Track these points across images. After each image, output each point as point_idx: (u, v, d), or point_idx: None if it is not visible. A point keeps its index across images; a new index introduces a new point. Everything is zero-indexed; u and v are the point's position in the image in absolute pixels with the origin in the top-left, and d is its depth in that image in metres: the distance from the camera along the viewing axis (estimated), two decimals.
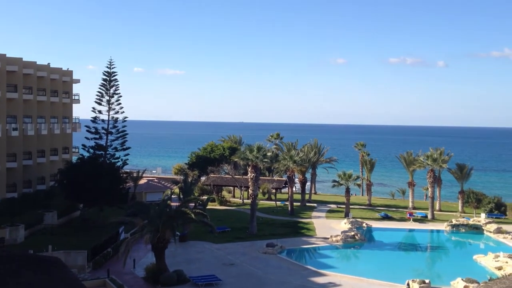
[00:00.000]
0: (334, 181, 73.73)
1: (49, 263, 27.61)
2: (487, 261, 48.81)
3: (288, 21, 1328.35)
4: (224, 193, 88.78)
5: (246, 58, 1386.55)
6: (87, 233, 52.75)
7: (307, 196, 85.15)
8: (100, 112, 63.12)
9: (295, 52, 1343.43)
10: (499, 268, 45.70)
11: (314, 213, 74.32)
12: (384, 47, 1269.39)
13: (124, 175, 66.21)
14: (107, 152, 62.86)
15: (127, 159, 64.74)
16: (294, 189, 78.32)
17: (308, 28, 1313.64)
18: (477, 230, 64.97)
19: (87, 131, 63.37)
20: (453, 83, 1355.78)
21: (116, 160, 63.55)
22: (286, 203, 77.66)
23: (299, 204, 79.57)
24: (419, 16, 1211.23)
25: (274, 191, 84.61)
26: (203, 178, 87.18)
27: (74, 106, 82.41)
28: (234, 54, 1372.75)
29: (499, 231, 62.35)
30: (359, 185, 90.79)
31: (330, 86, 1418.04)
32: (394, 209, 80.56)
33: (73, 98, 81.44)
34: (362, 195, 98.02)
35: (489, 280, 32.69)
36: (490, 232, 62.89)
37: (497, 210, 75.46)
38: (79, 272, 40.26)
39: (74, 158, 75.87)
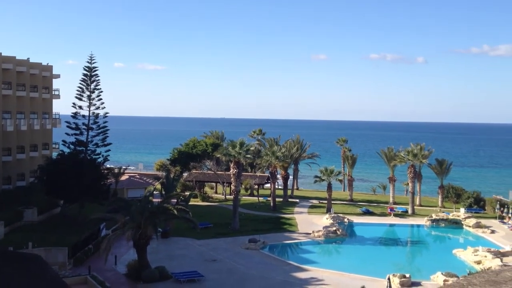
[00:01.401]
0: (316, 176, 74.13)
1: (29, 260, 27.34)
2: (467, 256, 49.51)
3: (269, 17, 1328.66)
4: (207, 189, 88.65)
5: (228, 54, 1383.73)
6: (67, 230, 52.27)
7: (289, 192, 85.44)
8: (80, 107, 62.33)
9: (277, 48, 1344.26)
10: (478, 262, 46.39)
11: (296, 209, 74.62)
12: (365, 43, 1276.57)
13: (105, 171, 65.63)
14: (88, 148, 62.18)
15: (108, 155, 64.15)
16: (276, 184, 78.51)
17: (290, 24, 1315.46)
18: (456, 224, 65.84)
19: (68, 126, 62.55)
20: (432, 79, 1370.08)
21: (97, 156, 62.93)
22: (269, 198, 77.81)
23: (281, 199, 79.81)
24: (398, 12, 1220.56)
25: (256, 187, 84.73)
26: (185, 174, 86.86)
27: (54, 101, 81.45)
28: (216, 50, 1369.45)
29: (478, 225, 63.27)
30: (340, 181, 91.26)
31: (312, 82, 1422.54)
32: (375, 204, 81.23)
33: (53, 93, 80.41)
34: (344, 190, 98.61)
35: (468, 274, 33.11)
36: (469, 226, 63.78)
37: (476, 205, 76.50)
38: (60, 269, 39.94)
39: (54, 154, 74.98)
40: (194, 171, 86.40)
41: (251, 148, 65.80)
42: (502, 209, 70.28)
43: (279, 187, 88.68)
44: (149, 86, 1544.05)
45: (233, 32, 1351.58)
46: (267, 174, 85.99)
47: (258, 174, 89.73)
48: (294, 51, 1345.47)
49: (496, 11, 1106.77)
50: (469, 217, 66.61)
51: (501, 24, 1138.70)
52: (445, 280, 39.23)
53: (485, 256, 47.38)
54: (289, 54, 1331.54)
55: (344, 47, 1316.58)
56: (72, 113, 62.30)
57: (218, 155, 72.82)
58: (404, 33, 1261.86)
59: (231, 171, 63.58)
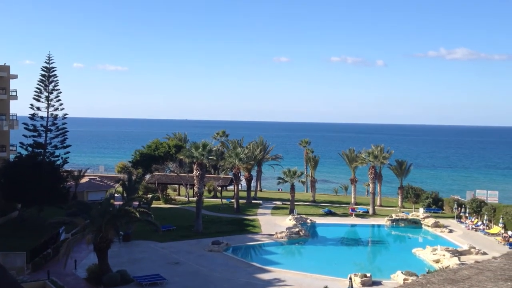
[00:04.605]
0: (280, 178, 74.53)
1: None
2: (426, 255, 50.60)
3: (231, 19, 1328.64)
4: (169, 191, 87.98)
5: (189, 56, 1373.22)
6: (26, 234, 51.00)
7: (252, 194, 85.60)
8: (38, 108, 61.07)
9: (239, 51, 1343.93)
10: (437, 261, 47.46)
11: (259, 210, 74.80)
12: (326, 46, 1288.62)
13: (65, 173, 64.35)
14: (47, 150, 60.91)
15: (68, 157, 63.04)
16: (239, 186, 78.52)
17: (252, 27, 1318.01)
18: (415, 224, 67.27)
19: (25, 128, 61.18)
20: (392, 82, 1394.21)
21: (56, 159, 61.74)
22: (232, 200, 77.73)
23: (244, 201, 79.84)
24: (358, 16, 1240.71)
25: (219, 188, 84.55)
26: (147, 176, 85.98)
27: (12, 102, 78.78)
28: (178, 52, 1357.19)
29: (436, 225, 64.77)
30: (303, 182, 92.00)
31: (274, 84, 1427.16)
32: (337, 205, 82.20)
33: (11, 94, 78.10)
34: (306, 191, 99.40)
35: (427, 272, 33.87)
36: (428, 226, 65.25)
37: (435, 205, 78.23)
38: (17, 274, 38.85)
39: (12, 157, 73.05)
40: (156, 173, 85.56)
41: (214, 149, 65.61)
42: (459, 209, 72.12)
43: (243, 188, 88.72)
44: (110, 87, 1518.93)
45: (195, 33, 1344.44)
46: (230, 176, 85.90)
47: (221, 176, 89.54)
48: (256, 54, 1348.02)
49: (452, 14, 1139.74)
50: (428, 217, 68.14)
51: (457, 28, 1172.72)
52: (405, 279, 39.97)
53: (444, 255, 48.52)
54: (251, 57, 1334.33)
55: (305, 50, 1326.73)
56: (30, 114, 60.91)
57: (181, 157, 72.30)
58: (364, 37, 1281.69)
59: (194, 173, 63.27)
